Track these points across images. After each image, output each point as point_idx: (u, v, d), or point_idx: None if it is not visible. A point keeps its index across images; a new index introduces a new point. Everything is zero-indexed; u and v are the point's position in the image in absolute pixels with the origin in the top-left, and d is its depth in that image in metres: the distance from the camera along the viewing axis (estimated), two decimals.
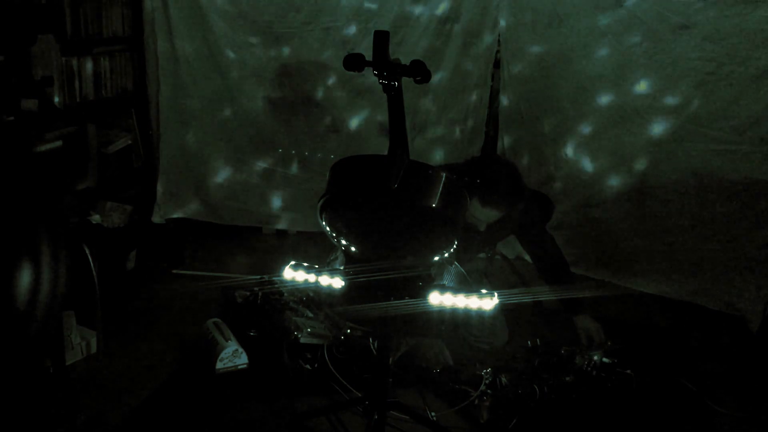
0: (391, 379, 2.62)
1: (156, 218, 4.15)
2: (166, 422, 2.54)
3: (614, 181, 3.74)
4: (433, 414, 2.60)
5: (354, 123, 4.09)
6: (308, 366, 2.83)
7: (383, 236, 2.02)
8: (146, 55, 4.02)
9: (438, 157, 4.07)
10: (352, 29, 3.89)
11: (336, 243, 2.08)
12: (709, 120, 3.42)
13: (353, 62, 1.97)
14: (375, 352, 2.73)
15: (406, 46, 3.83)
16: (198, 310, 3.25)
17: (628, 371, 2.76)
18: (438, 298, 2.05)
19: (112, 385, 2.71)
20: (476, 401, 2.64)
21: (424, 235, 1.98)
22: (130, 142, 4.08)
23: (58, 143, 3.43)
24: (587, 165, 3.78)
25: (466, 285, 2.54)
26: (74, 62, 3.64)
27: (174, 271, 3.71)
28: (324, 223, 2.02)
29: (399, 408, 2.48)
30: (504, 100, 3.87)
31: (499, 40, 3.78)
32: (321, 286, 2.18)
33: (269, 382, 2.77)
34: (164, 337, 3.06)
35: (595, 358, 2.81)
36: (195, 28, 3.89)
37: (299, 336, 2.96)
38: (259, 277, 3.48)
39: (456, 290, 2.06)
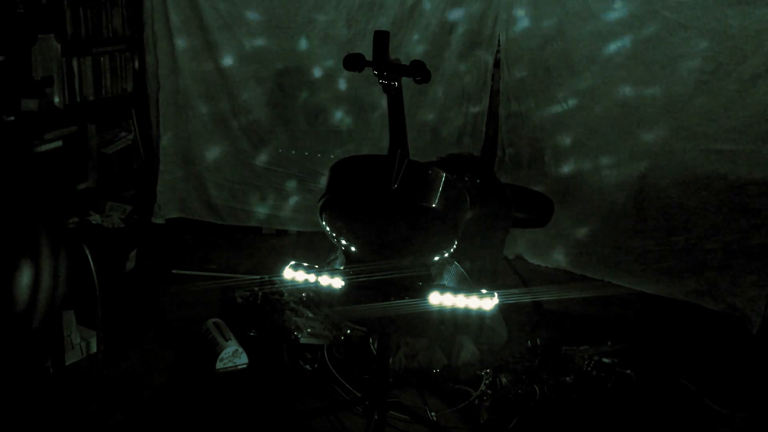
0: (391, 379, 2.62)
1: (156, 218, 4.15)
2: (166, 422, 2.54)
3: (614, 181, 3.73)
4: (433, 414, 2.60)
5: (354, 123, 4.09)
6: (308, 366, 2.83)
7: (383, 236, 2.02)
8: (146, 55, 4.02)
9: (436, 157, 4.06)
10: (352, 29, 3.89)
11: (336, 243, 2.08)
12: (709, 120, 3.41)
13: (353, 62, 1.97)
14: (375, 352, 2.74)
15: (406, 47, 3.83)
16: (198, 310, 3.25)
17: (628, 371, 2.77)
18: (438, 298, 2.05)
19: (112, 385, 2.71)
20: (476, 401, 2.64)
21: (424, 235, 1.98)
22: (130, 142, 4.08)
23: (58, 143, 3.44)
24: (587, 164, 3.78)
25: (466, 285, 2.54)
26: (74, 62, 3.64)
27: (174, 271, 3.71)
28: (324, 223, 2.02)
29: (399, 408, 2.48)
30: (504, 100, 3.87)
31: (499, 40, 3.78)
32: (321, 286, 2.18)
33: (269, 382, 2.77)
34: (164, 337, 3.06)
35: (595, 358, 2.81)
36: (194, 29, 3.89)
37: (299, 336, 2.97)
38: (259, 277, 3.49)
39: (456, 290, 2.06)
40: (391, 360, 2.75)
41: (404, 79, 1.93)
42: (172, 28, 3.87)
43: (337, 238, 2.06)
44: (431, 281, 2.09)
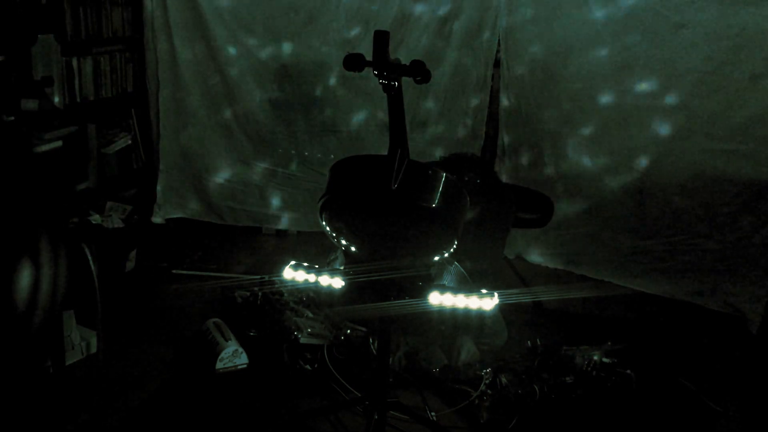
0: (391, 379, 2.62)
1: (156, 218, 4.15)
2: (166, 422, 2.54)
3: (614, 181, 3.73)
4: (433, 414, 2.60)
5: (354, 123, 4.09)
6: (308, 366, 2.83)
7: (383, 236, 2.02)
8: (146, 55, 4.03)
9: (438, 157, 4.06)
10: (352, 29, 3.89)
11: (336, 243, 2.08)
12: (709, 120, 3.41)
13: (353, 62, 1.97)
14: (375, 352, 2.74)
15: (406, 46, 3.83)
16: (198, 310, 3.25)
17: (628, 371, 2.77)
18: (438, 298, 2.05)
19: (112, 385, 2.71)
20: (476, 401, 2.64)
21: (424, 235, 1.98)
22: (130, 142, 4.08)
23: (58, 143, 3.44)
24: (587, 164, 3.78)
25: (466, 285, 2.54)
26: (74, 62, 3.64)
27: (174, 271, 3.71)
28: (324, 223, 2.02)
29: (399, 408, 2.48)
30: (504, 100, 3.87)
31: (499, 40, 3.78)
32: (321, 286, 2.18)
33: (269, 382, 2.77)
34: (164, 337, 3.06)
35: (595, 358, 2.81)
36: (194, 29, 3.89)
37: (299, 336, 2.97)
38: (259, 277, 3.49)
39: (456, 290, 2.06)
40: (391, 360, 2.75)
41: (404, 79, 1.93)
42: (171, 28, 3.87)
43: (337, 238, 2.06)
44: (431, 281, 2.08)
